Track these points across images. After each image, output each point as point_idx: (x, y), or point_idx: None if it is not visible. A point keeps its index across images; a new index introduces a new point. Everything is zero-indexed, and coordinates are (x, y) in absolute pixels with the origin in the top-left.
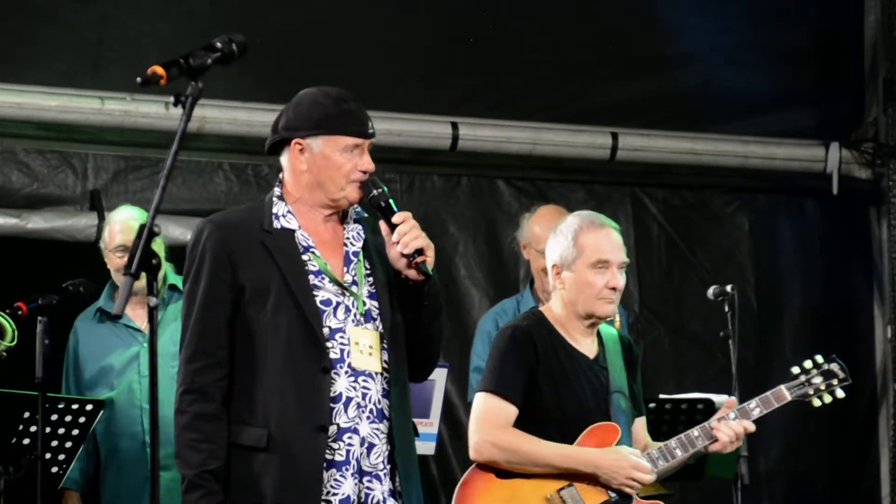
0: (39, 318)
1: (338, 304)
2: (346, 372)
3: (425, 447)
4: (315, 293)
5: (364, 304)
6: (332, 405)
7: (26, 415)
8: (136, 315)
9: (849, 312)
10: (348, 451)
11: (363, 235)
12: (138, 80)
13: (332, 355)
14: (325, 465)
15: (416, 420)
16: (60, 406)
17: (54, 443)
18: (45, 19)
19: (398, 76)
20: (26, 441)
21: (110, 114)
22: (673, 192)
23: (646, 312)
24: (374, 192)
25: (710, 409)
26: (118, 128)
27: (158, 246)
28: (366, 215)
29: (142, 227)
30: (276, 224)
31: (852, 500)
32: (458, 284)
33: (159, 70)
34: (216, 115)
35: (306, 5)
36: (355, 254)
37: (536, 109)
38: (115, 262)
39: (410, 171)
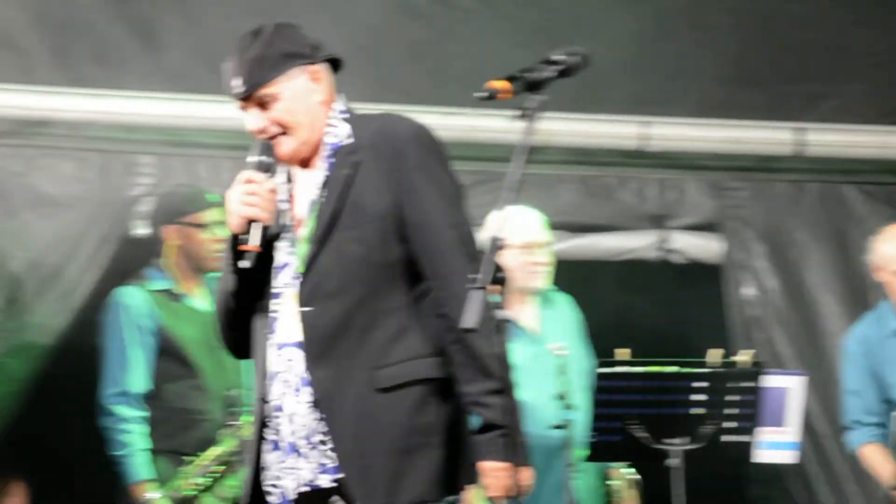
0: None
1: (285, 264)
2: (274, 345)
3: (781, 455)
4: (276, 255)
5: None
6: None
7: None
8: (527, 317)
9: None
10: (277, 432)
11: (327, 172)
12: (480, 95)
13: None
14: (269, 444)
15: (769, 429)
16: None
17: None
18: (384, 39)
19: (740, 84)
20: None
21: (454, 129)
22: None
23: None
24: (256, 159)
25: None
26: (462, 143)
27: None
28: (343, 143)
29: (491, 239)
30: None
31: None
32: (808, 292)
33: (501, 84)
34: (559, 128)
35: (643, 19)
36: (312, 201)
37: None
38: (518, 259)
39: (755, 179)
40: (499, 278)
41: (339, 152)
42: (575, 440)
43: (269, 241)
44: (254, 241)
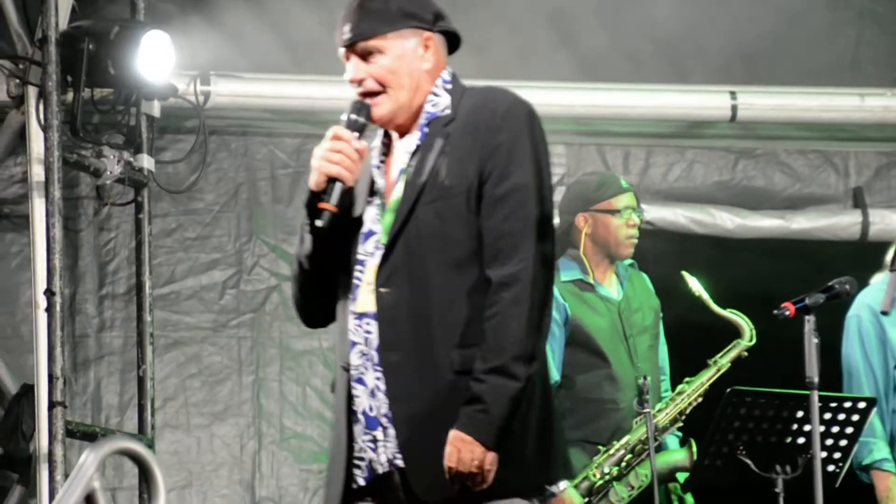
0: (807, 317)
1: (372, 232)
2: (353, 313)
3: None
4: (364, 221)
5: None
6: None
7: (800, 414)
8: None
9: None
10: (356, 403)
11: (418, 142)
12: None
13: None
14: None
15: None
16: (833, 405)
17: (829, 441)
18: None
19: None
20: (801, 440)
21: (870, 110)
22: None
23: None
24: (349, 117)
25: None
26: (878, 124)
27: None
28: (440, 114)
29: None
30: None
31: None
32: None
33: None
34: None
35: None
36: (402, 169)
37: None
38: None
39: None
40: None
41: (434, 123)
42: None
43: (350, 204)
44: (332, 200)
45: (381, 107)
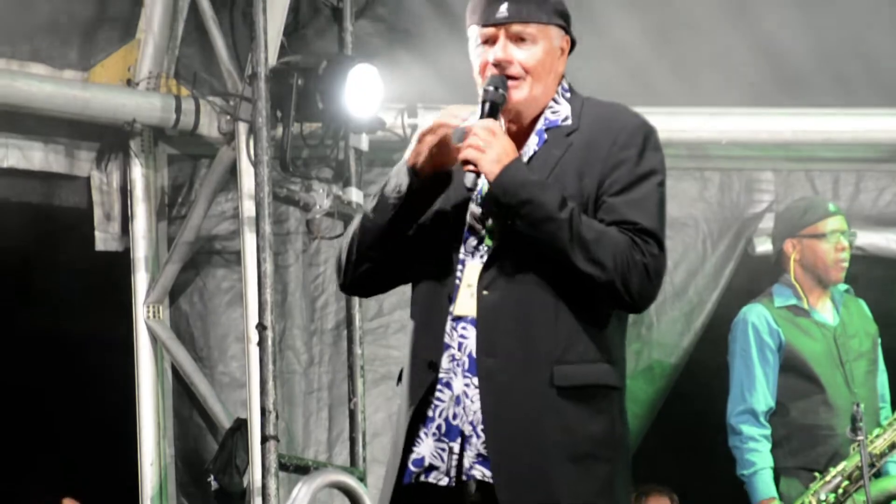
0: None
1: (472, 230)
2: (450, 314)
3: None
4: (466, 217)
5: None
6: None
7: None
8: None
9: None
10: (436, 407)
11: (536, 148)
12: None
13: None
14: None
15: None
16: None
17: None
18: None
19: None
20: None
21: None
22: None
23: None
24: (487, 89)
25: None
26: None
27: None
28: (561, 124)
29: None
30: None
31: None
32: None
33: None
34: None
35: None
36: None
37: None
38: None
39: None
40: None
41: (554, 131)
42: None
43: (462, 202)
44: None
45: (521, 91)
